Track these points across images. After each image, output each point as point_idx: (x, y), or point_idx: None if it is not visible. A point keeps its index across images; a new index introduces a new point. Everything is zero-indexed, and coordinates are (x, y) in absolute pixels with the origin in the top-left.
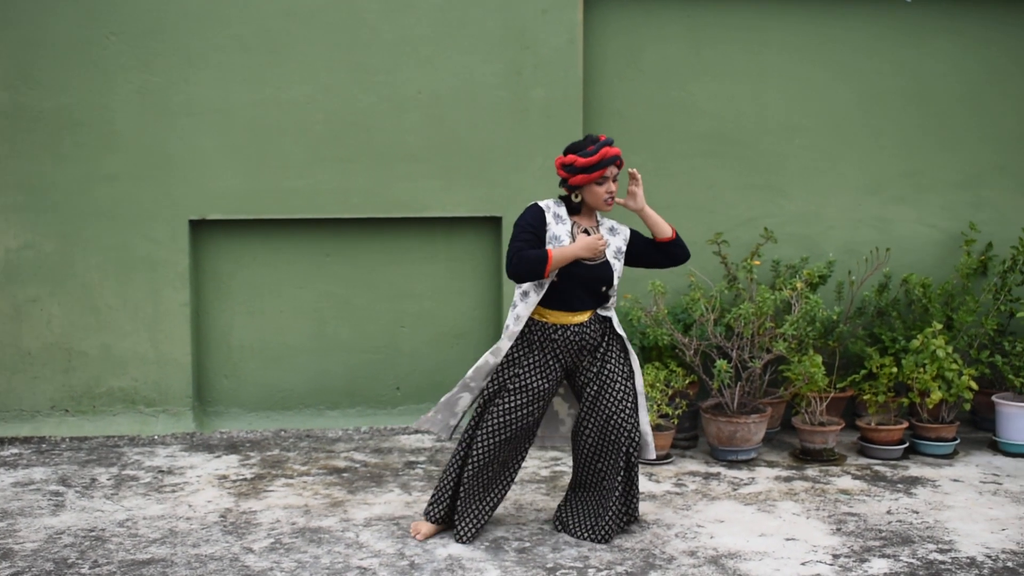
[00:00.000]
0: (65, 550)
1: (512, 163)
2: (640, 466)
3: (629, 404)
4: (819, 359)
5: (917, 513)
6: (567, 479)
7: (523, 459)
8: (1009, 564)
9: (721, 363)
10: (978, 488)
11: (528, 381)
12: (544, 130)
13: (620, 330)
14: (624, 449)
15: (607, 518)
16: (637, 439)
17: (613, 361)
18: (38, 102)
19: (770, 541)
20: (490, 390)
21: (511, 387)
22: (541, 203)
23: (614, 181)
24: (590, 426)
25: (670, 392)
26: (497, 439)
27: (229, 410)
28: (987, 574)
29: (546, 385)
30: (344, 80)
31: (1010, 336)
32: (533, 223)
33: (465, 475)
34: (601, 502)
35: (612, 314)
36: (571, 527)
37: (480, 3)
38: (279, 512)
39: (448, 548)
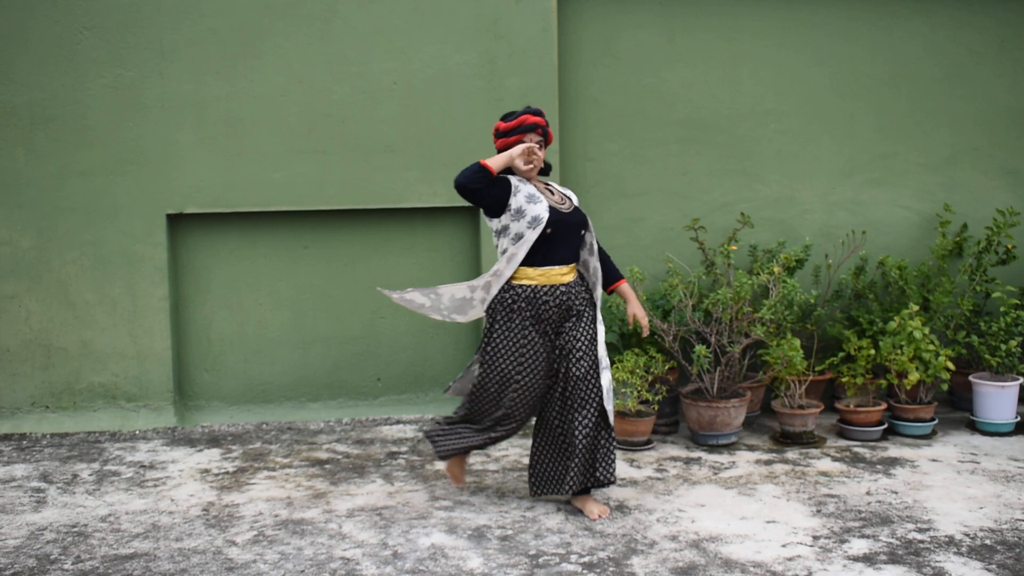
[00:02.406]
0: (47, 546)
1: (488, 152)
2: (619, 448)
3: (590, 363)
4: (797, 342)
5: (896, 493)
6: None
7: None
8: (987, 542)
9: (700, 348)
10: (956, 467)
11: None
12: None
13: (596, 293)
14: (592, 405)
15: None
16: (600, 395)
17: (584, 324)
18: (11, 97)
19: (751, 524)
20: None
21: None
22: (510, 176)
23: (539, 149)
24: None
25: (650, 378)
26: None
27: (210, 404)
28: (965, 552)
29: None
30: (318, 72)
31: (986, 316)
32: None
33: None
34: (578, 456)
35: (591, 270)
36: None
37: None
38: (262, 505)
39: (431, 537)
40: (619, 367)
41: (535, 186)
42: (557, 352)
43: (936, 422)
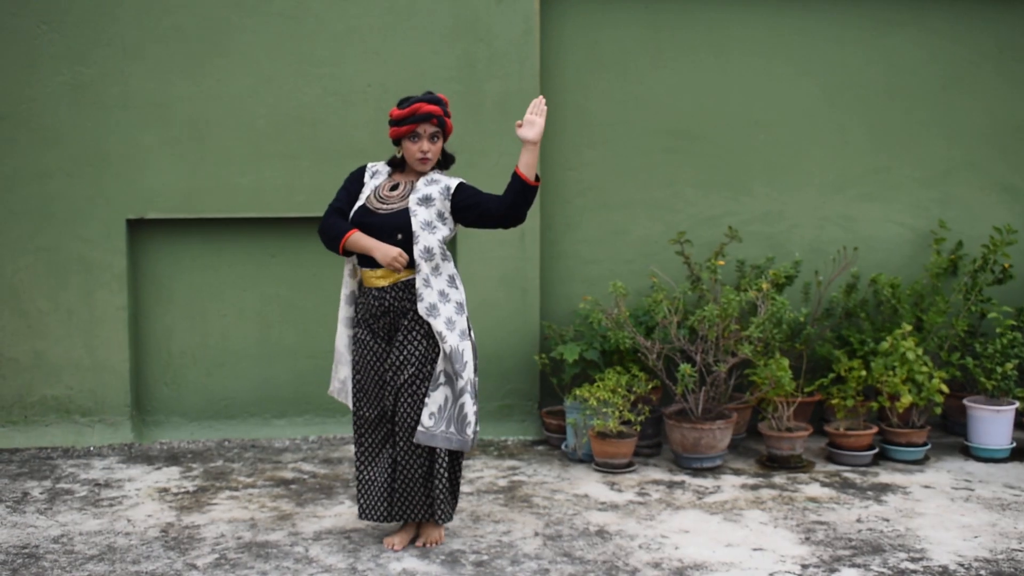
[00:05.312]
0: None
1: (465, 158)
2: (582, 473)
3: (418, 389)
4: (786, 362)
5: (888, 521)
6: (525, 489)
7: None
8: (982, 572)
9: (685, 367)
10: (950, 494)
11: (360, 335)
12: (499, 124)
13: (431, 317)
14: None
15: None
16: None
17: (413, 343)
18: None
19: (737, 551)
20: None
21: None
22: (371, 163)
23: (431, 140)
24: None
25: (632, 398)
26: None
27: (169, 419)
28: None
29: (374, 343)
30: (288, 72)
31: (981, 337)
32: (349, 181)
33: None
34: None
35: (423, 292)
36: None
37: None
38: (224, 526)
39: (403, 562)
40: (600, 385)
41: (386, 182)
42: (388, 364)
43: (929, 447)
